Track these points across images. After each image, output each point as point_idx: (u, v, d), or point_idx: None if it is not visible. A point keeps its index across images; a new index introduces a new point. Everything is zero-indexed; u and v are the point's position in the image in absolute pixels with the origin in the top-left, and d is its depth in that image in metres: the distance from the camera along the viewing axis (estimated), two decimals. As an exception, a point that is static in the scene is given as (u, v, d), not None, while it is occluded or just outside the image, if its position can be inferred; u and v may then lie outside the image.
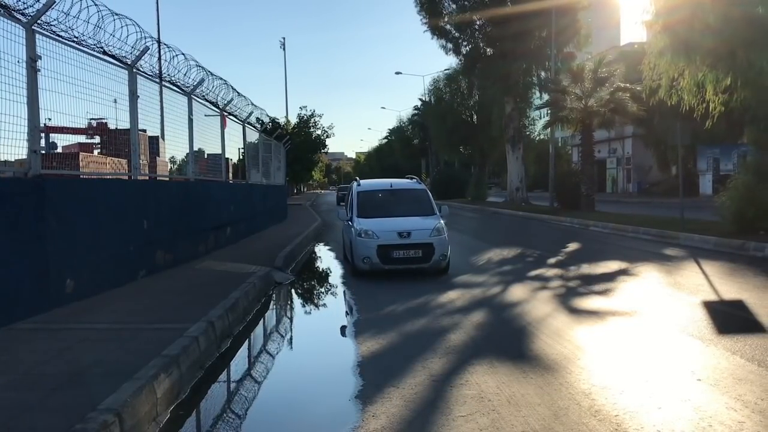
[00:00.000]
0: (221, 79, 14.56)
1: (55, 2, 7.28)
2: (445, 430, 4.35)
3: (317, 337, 7.93)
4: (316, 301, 10.48)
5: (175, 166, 16.02)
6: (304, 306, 10.16)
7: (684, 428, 4.22)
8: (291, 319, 9.17)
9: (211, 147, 15.79)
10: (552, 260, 12.84)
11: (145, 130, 11.22)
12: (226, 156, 16.68)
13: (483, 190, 45.54)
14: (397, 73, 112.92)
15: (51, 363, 5.26)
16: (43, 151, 7.74)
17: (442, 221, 11.39)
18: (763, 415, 4.40)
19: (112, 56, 9.24)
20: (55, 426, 3.83)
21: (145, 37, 9.65)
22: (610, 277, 10.77)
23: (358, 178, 13.38)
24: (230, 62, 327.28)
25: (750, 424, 4.26)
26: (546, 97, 31.30)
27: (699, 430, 4.19)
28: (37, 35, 7.31)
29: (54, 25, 7.69)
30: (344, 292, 10.44)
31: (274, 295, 10.34)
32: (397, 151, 78.32)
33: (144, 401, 4.53)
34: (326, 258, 16.00)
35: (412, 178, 13.35)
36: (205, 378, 5.77)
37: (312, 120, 50.16)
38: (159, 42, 12.26)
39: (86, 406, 4.11)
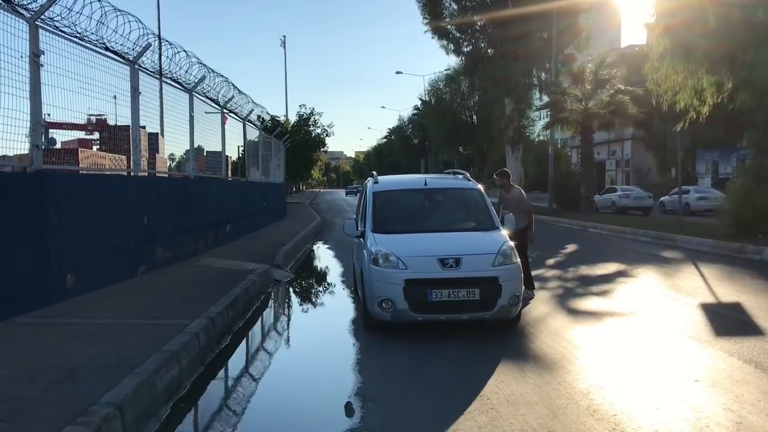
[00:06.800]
0: (222, 76, 14.56)
1: (58, -2, 7.29)
2: (444, 427, 4.37)
3: (316, 335, 7.94)
4: (314, 299, 10.50)
5: (174, 163, 16.02)
6: (302, 304, 10.18)
7: (681, 428, 4.25)
8: (290, 316, 9.19)
9: (211, 144, 15.80)
10: (551, 261, 12.86)
11: (144, 127, 11.22)
12: (226, 154, 16.69)
13: (482, 191, 45.50)
14: (398, 72, 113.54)
15: (52, 357, 5.28)
16: (43, 147, 7.73)
17: (509, 240, 7.44)
18: (761, 416, 4.43)
19: (114, 52, 9.25)
20: (57, 419, 3.84)
21: (148, 34, 9.65)
22: (609, 278, 10.80)
23: (375, 172, 8.99)
24: (229, 56, 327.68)
25: (747, 424, 4.29)
26: (546, 98, 31.34)
27: (696, 430, 4.22)
28: (40, 30, 7.31)
29: (57, 21, 7.68)
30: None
31: (273, 293, 10.37)
32: (396, 150, 78.34)
33: (144, 396, 4.55)
34: (325, 256, 16.01)
35: (458, 174, 9.11)
36: (205, 374, 5.80)
37: (312, 118, 50.13)
38: (160, 38, 12.26)
39: (88, 400, 4.13)
